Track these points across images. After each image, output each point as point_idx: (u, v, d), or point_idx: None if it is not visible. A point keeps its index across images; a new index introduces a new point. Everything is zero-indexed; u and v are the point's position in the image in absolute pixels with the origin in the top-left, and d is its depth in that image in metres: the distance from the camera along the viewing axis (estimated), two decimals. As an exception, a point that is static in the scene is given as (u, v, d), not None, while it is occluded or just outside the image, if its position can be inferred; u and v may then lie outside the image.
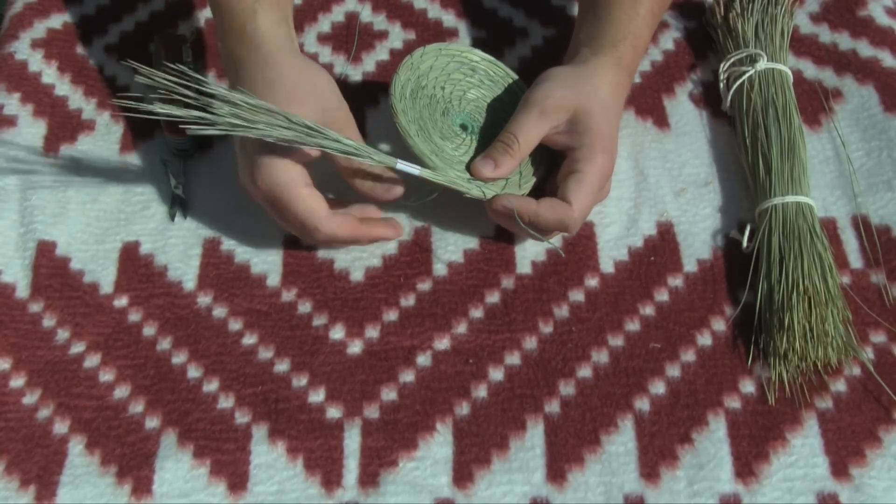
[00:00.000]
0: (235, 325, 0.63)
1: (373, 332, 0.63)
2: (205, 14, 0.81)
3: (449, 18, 0.81)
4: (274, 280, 0.65)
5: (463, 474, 0.57)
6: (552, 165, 0.66)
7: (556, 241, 0.66)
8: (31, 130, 0.72)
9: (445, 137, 0.64)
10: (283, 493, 0.56)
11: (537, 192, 0.64)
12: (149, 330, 0.62)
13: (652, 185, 0.70)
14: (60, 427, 0.58)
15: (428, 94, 0.65)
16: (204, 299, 0.64)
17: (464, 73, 0.68)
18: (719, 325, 0.63)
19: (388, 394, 0.60)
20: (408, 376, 0.61)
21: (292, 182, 0.58)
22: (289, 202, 0.59)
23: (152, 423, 0.59)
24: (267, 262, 0.66)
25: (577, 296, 0.64)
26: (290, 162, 0.58)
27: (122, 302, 0.64)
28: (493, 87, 0.69)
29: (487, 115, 0.67)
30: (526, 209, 0.61)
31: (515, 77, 0.70)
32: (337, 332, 0.63)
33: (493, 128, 0.66)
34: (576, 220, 0.61)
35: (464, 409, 0.60)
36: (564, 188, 0.61)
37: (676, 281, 0.65)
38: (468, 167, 0.63)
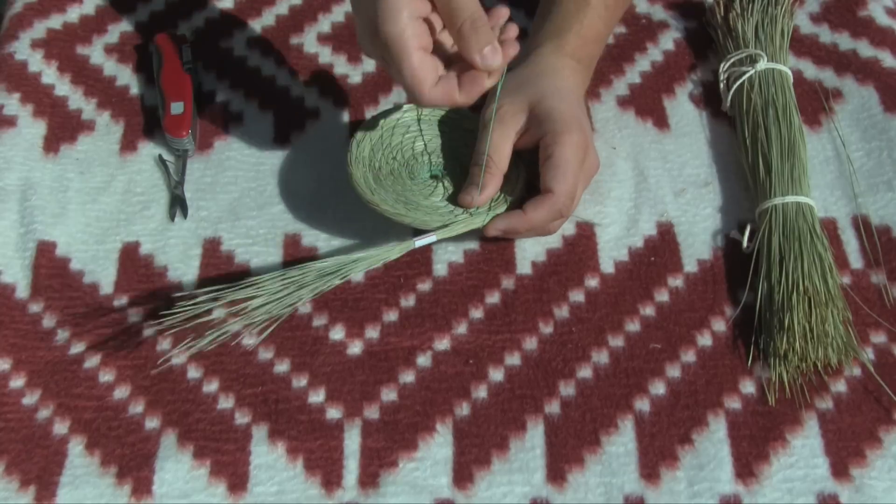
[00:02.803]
0: (236, 325, 0.63)
1: (373, 332, 0.63)
2: (205, 14, 0.81)
3: (449, 18, 0.81)
4: (274, 280, 0.65)
5: (463, 475, 0.57)
6: (529, 169, 0.66)
7: (557, 239, 0.67)
8: (31, 130, 0.72)
9: (427, 196, 0.65)
10: (283, 493, 0.56)
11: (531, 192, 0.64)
12: (149, 330, 0.62)
13: (652, 186, 0.70)
14: (60, 427, 0.58)
15: (386, 172, 0.66)
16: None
17: (403, 134, 0.68)
18: (719, 325, 0.63)
19: (388, 394, 0.60)
20: (408, 377, 0.61)
21: (407, 38, 0.55)
22: (399, 59, 0.56)
23: (152, 423, 0.59)
24: (267, 263, 0.66)
25: (578, 296, 0.64)
26: (407, 15, 0.55)
27: (122, 302, 0.64)
28: (439, 130, 0.69)
29: (448, 156, 0.68)
30: (516, 222, 0.62)
31: (459, 110, 0.69)
32: (337, 333, 0.63)
33: (460, 165, 0.67)
34: (564, 203, 0.61)
35: (464, 409, 0.60)
36: (543, 178, 0.62)
37: (676, 281, 0.65)
38: (458, 202, 0.64)
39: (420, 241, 0.61)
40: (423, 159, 0.67)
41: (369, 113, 0.74)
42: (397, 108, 0.69)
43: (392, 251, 0.60)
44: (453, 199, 0.65)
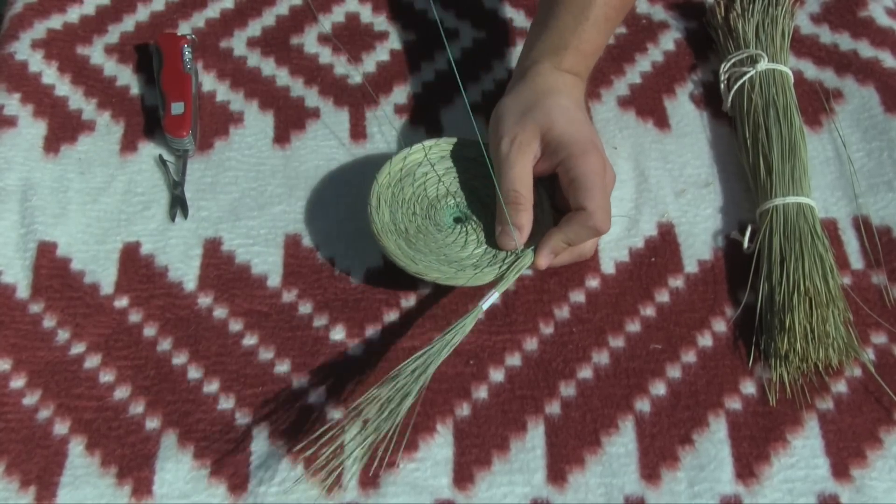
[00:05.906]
0: (236, 325, 0.63)
1: (373, 332, 0.63)
2: (205, 14, 0.81)
3: (449, 18, 0.81)
4: (274, 281, 0.65)
5: (463, 475, 0.57)
6: (551, 190, 0.65)
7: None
8: (32, 131, 0.72)
9: (462, 245, 0.63)
10: (283, 493, 0.56)
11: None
12: (149, 331, 0.62)
13: (653, 186, 0.70)
14: (61, 428, 0.58)
15: (413, 231, 0.63)
16: (204, 300, 0.64)
17: (412, 183, 0.66)
18: (720, 325, 0.63)
19: (389, 394, 0.60)
20: (408, 377, 0.61)
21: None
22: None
23: (153, 423, 0.59)
24: (267, 263, 0.66)
25: (578, 297, 0.64)
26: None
27: (122, 302, 0.64)
28: (443, 167, 0.67)
29: (461, 190, 0.66)
30: (559, 245, 0.61)
31: (454, 139, 0.68)
32: (338, 333, 0.63)
33: (477, 197, 0.65)
34: (601, 218, 0.60)
35: (464, 409, 0.60)
36: (574, 199, 0.61)
37: (677, 282, 0.65)
38: (497, 245, 0.63)
39: (486, 304, 0.59)
40: (442, 204, 0.65)
41: (369, 114, 0.74)
42: (391, 160, 0.66)
43: (466, 324, 0.58)
44: (489, 240, 0.63)
